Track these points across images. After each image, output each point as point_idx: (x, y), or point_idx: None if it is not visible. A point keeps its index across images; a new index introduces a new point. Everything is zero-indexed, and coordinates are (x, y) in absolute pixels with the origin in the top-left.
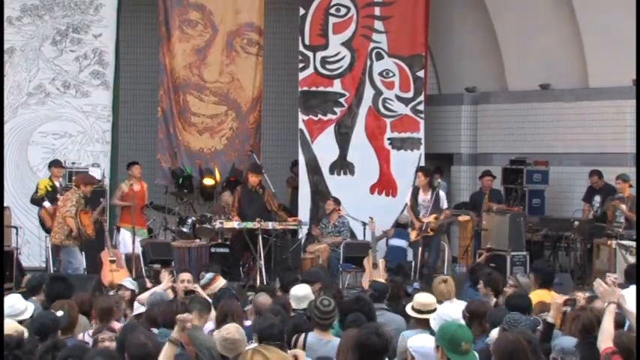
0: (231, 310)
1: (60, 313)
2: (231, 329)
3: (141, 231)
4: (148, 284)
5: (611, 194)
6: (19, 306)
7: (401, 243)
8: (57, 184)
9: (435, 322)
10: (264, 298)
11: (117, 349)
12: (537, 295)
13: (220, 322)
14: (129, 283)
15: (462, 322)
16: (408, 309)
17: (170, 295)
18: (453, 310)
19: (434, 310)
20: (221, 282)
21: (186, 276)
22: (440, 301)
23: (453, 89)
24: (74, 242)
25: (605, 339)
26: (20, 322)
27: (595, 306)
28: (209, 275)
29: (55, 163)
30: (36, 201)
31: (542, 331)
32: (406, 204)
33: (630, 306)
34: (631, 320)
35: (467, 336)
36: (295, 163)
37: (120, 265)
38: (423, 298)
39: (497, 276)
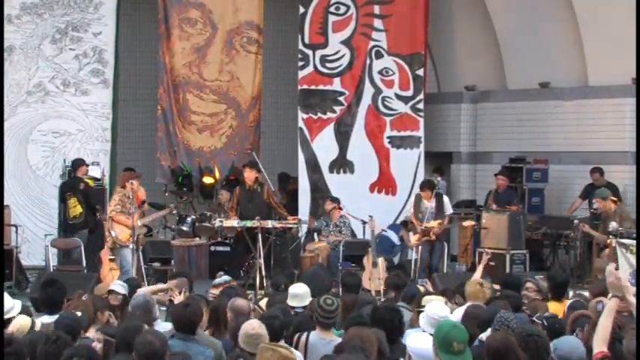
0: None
1: (79, 314)
2: (255, 324)
3: None
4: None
5: (612, 191)
6: (6, 304)
7: (392, 235)
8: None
9: (423, 320)
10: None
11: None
12: (551, 308)
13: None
14: (119, 286)
15: (453, 320)
16: (421, 316)
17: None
18: (441, 309)
19: None
20: None
21: (174, 284)
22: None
23: (453, 88)
24: (114, 245)
25: (600, 341)
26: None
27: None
28: (225, 278)
29: (81, 162)
30: (77, 227)
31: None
32: (402, 210)
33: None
34: (634, 313)
35: (460, 336)
36: (282, 178)
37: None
38: (437, 309)
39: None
